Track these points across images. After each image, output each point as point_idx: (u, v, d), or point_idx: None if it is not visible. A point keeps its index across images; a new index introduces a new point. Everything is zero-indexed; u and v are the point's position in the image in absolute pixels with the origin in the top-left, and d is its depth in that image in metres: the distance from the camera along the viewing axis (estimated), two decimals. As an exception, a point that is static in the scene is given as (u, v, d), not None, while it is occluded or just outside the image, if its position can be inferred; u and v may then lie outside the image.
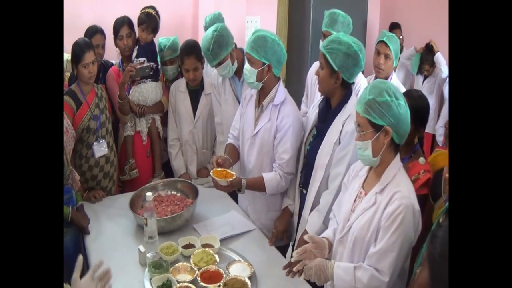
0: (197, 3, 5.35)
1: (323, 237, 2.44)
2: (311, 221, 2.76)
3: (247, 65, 2.87)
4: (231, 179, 2.78)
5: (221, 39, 3.22)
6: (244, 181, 2.87)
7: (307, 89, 4.21)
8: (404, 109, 2.06)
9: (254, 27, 5.01)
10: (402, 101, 2.07)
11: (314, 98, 3.97)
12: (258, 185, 2.93)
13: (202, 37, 3.32)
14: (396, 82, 3.61)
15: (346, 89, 2.67)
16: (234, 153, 3.17)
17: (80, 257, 1.84)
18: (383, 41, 3.42)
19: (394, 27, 6.13)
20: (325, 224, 2.67)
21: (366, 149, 2.12)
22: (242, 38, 4.90)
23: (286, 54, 2.98)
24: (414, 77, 5.84)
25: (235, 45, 3.38)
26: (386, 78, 3.45)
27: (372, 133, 2.08)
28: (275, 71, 2.89)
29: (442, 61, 5.23)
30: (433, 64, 5.45)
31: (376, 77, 3.56)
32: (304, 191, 2.91)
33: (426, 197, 2.42)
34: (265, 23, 5.07)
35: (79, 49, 3.27)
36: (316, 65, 4.09)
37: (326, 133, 2.72)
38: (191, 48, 3.58)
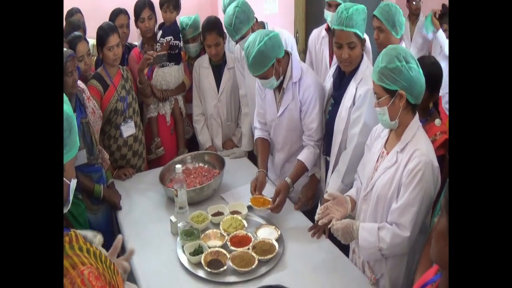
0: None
1: (346, 195, 2.51)
2: (331, 181, 2.84)
3: (267, 81, 2.87)
4: (269, 206, 2.85)
5: (243, 14, 3.25)
6: (289, 181, 2.92)
7: (310, 57, 4.24)
8: (415, 71, 2.11)
9: (272, 1, 5.02)
10: (413, 64, 2.11)
11: (321, 64, 4.06)
12: (301, 172, 2.98)
13: (225, 13, 3.35)
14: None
15: (363, 50, 2.74)
16: (266, 147, 3.22)
17: (119, 236, 1.89)
18: (373, 15, 3.28)
19: (412, -10, 6.07)
20: (344, 183, 2.76)
21: (384, 114, 2.19)
22: (261, 12, 4.93)
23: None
24: (432, 43, 5.78)
25: (256, 19, 3.42)
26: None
27: (388, 99, 2.15)
28: (280, 54, 2.86)
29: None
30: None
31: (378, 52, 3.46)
32: (328, 158, 2.98)
33: (444, 157, 2.46)
34: (283, -4, 5.09)
35: (103, 33, 3.35)
36: (315, 33, 4.18)
37: (342, 100, 2.79)
38: (213, 24, 3.61)
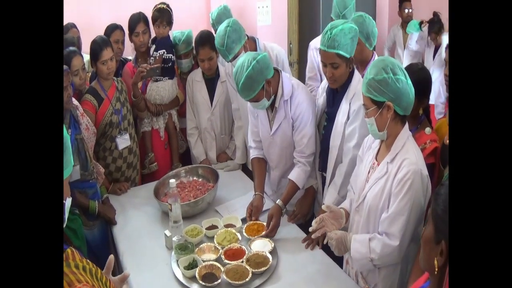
0: (209, -7, 5.43)
1: (340, 208, 2.53)
2: (328, 194, 2.87)
3: (258, 103, 2.86)
4: (263, 233, 2.81)
5: (234, 34, 3.25)
6: (280, 203, 2.89)
7: (313, 67, 4.14)
8: (403, 83, 2.12)
9: (265, 12, 5.04)
10: (401, 76, 2.12)
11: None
12: (292, 192, 2.96)
13: (216, 33, 3.34)
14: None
15: (350, 68, 2.76)
16: (263, 168, 3.17)
17: (111, 257, 1.89)
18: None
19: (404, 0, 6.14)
20: (340, 195, 2.78)
21: (372, 125, 2.21)
22: (254, 23, 4.95)
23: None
24: (424, 52, 5.83)
25: (247, 36, 3.42)
26: (362, 62, 3.30)
27: (375, 110, 2.17)
28: (269, 75, 2.83)
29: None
30: (439, 32, 5.44)
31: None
32: (324, 174, 3.00)
33: (434, 165, 2.48)
34: (276, 8, 5.09)
35: (97, 47, 3.37)
36: (315, 42, 4.07)
37: (336, 116, 2.82)
38: (205, 39, 3.61)
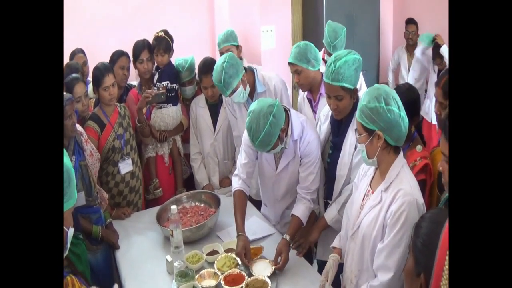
0: (213, 17, 5.51)
1: (331, 256, 2.56)
2: (328, 210, 2.91)
3: (271, 151, 2.83)
4: (273, 268, 2.73)
5: (231, 69, 3.21)
6: (288, 238, 2.84)
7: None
8: (395, 114, 2.12)
9: (269, 36, 5.10)
10: (393, 107, 2.12)
11: None
12: (298, 227, 2.93)
13: (213, 69, 3.32)
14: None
15: (355, 98, 2.76)
16: (244, 203, 3.07)
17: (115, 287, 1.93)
18: (289, 63, 3.32)
19: (410, 22, 6.15)
20: (340, 213, 2.80)
21: (363, 151, 2.23)
22: (258, 47, 5.02)
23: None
24: (429, 72, 5.84)
25: (245, 68, 3.41)
26: (314, 85, 3.36)
27: (366, 137, 2.18)
28: (283, 122, 2.80)
29: (446, 53, 5.21)
30: (443, 57, 5.46)
31: None
32: (329, 201, 3.01)
33: (424, 182, 2.51)
34: (280, 32, 5.15)
35: (99, 73, 3.44)
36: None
37: (342, 146, 2.83)
38: (209, 67, 3.58)
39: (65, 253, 1.57)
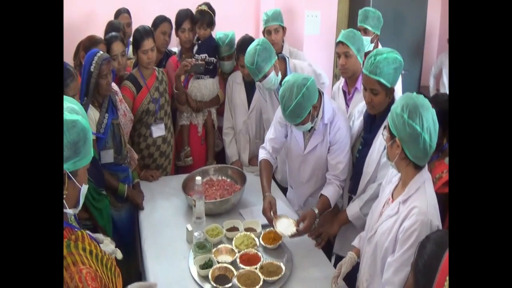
0: (259, -2, 5.52)
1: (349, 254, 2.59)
2: (351, 205, 2.93)
3: (303, 126, 2.87)
4: (292, 233, 2.79)
5: (265, 52, 3.18)
6: (317, 211, 2.90)
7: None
8: (414, 131, 2.04)
9: (314, 22, 5.07)
10: (416, 124, 2.04)
11: None
12: (325, 207, 2.96)
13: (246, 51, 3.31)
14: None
15: (390, 98, 2.75)
16: (270, 171, 3.18)
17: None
18: (339, 41, 3.27)
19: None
20: (363, 211, 2.82)
21: (386, 149, 2.24)
22: (301, 32, 4.99)
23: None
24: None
25: (278, 56, 3.38)
26: (354, 75, 3.31)
27: (389, 138, 2.17)
28: (316, 99, 2.84)
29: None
30: None
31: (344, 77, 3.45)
32: (353, 196, 3.01)
33: (448, 196, 2.48)
34: (325, 18, 5.09)
35: (139, 36, 3.52)
36: None
37: (372, 143, 2.83)
38: (247, 45, 3.50)
39: (78, 210, 1.64)
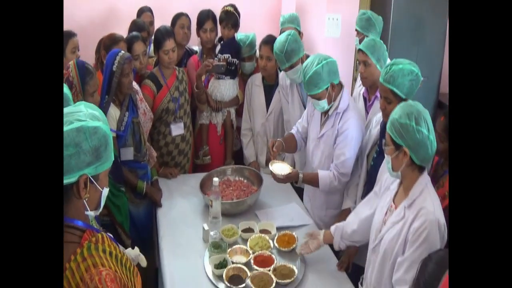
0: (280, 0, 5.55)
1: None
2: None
3: (319, 102, 3.03)
4: (288, 173, 3.05)
5: (295, 44, 3.34)
6: (301, 175, 3.09)
7: None
8: (423, 136, 2.10)
9: (335, 25, 5.07)
10: (423, 128, 2.10)
11: None
12: (313, 181, 3.12)
13: (276, 40, 3.43)
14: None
15: None
16: (292, 142, 3.37)
17: None
18: (359, 50, 3.28)
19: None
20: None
21: (389, 162, 2.25)
22: (321, 35, 5.01)
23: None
24: None
25: (305, 54, 3.50)
26: (374, 85, 3.27)
27: (393, 150, 2.19)
28: (335, 80, 3.02)
29: None
30: None
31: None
32: None
33: None
34: (346, 21, 5.09)
35: (160, 36, 3.59)
36: None
37: None
38: (270, 38, 3.70)
39: (98, 212, 1.70)
